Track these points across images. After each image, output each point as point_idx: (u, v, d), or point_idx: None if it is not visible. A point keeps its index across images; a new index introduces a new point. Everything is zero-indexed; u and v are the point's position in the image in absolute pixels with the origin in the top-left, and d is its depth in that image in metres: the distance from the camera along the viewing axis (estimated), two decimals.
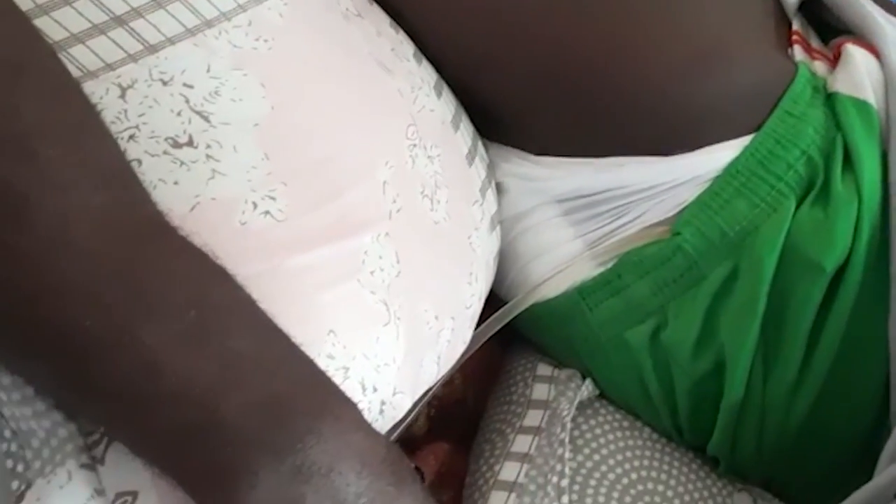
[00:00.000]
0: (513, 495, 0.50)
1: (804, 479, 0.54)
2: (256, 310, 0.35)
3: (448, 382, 0.55)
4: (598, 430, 0.54)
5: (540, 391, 0.56)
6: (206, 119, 0.39)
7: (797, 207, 0.50)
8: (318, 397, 0.35)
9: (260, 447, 0.33)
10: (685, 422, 0.54)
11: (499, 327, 0.52)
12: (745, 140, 0.51)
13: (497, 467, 0.52)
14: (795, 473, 0.55)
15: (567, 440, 0.51)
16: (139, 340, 0.32)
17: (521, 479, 0.51)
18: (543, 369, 0.58)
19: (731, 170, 0.50)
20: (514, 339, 0.61)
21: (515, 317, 0.54)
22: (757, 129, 0.51)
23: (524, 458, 0.52)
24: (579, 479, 0.51)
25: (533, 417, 0.54)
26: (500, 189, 0.55)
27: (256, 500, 0.33)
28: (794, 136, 0.50)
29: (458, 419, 0.57)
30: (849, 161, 0.50)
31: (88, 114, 0.35)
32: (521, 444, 0.53)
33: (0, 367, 0.36)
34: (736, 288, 0.50)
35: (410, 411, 0.46)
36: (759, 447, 0.53)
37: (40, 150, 0.31)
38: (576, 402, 0.53)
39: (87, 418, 0.35)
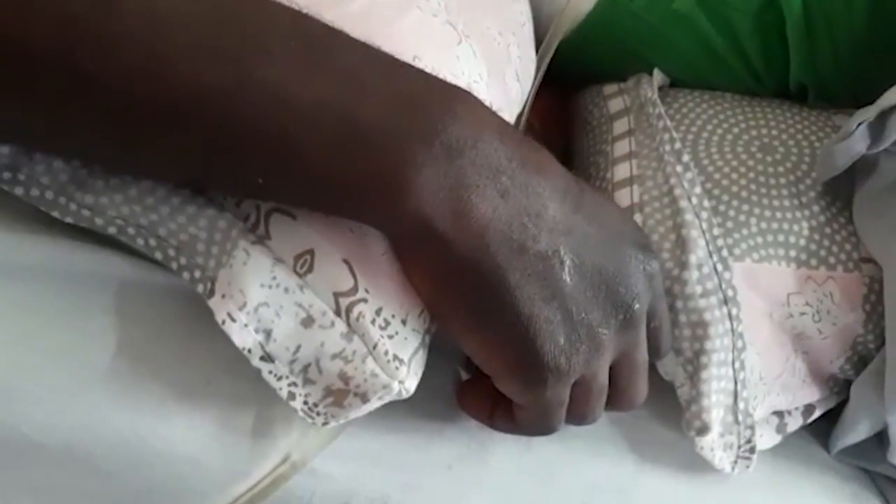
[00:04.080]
0: (635, 186, 0.51)
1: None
2: (348, 35, 0.36)
3: (529, 129, 0.56)
4: (684, 109, 0.55)
5: (615, 104, 0.57)
6: None
7: None
8: (439, 87, 0.36)
9: (407, 137, 0.34)
10: (760, 65, 0.55)
11: (556, 43, 0.52)
12: None
13: (609, 175, 0.53)
14: (881, 86, 0.55)
15: (664, 113, 0.52)
16: (259, 79, 0.33)
17: (636, 171, 0.52)
18: (609, 88, 0.58)
19: None
20: (573, 87, 0.62)
21: (568, 56, 0.54)
22: None
23: (629, 156, 0.53)
24: (688, 146, 0.52)
25: (620, 126, 0.55)
26: None
27: (425, 184, 0.34)
28: None
29: None
30: None
31: None
32: (621, 148, 0.54)
33: (143, 188, 0.37)
34: None
35: None
36: (836, 60, 0.54)
37: None
38: (655, 87, 0.54)
39: (241, 186, 0.36)
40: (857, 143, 0.46)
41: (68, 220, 0.37)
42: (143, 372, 0.38)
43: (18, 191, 0.37)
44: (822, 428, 0.55)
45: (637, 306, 0.39)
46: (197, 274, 0.37)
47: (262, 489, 0.38)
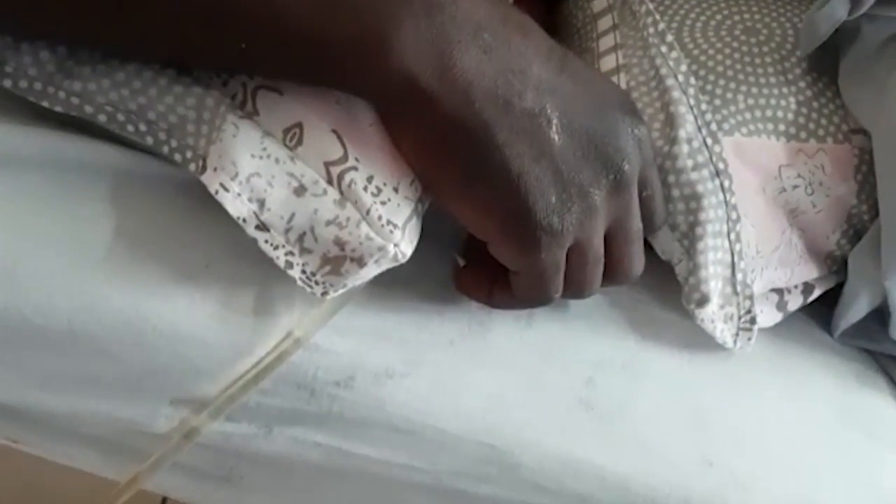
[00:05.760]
0: (621, 75, 0.51)
1: None
2: None
3: None
4: (667, 1, 0.55)
5: (599, 4, 0.57)
6: None
7: None
8: None
9: None
10: None
11: None
12: None
13: (595, 68, 0.53)
14: None
15: None
16: None
17: (622, 61, 0.52)
18: None
19: None
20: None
21: None
22: None
23: (614, 48, 0.53)
24: (672, 31, 0.52)
25: (604, 23, 0.55)
26: None
27: (406, 39, 0.34)
28: None
29: None
30: None
31: None
32: (606, 42, 0.54)
33: (129, 72, 0.37)
34: None
35: None
36: None
37: None
38: None
39: (225, 56, 0.36)
40: (838, 9, 0.46)
41: (58, 108, 0.37)
42: (142, 255, 0.38)
43: (7, 83, 0.37)
44: (825, 314, 0.55)
45: (627, 167, 0.39)
46: (188, 154, 0.37)
47: (266, 365, 0.39)
